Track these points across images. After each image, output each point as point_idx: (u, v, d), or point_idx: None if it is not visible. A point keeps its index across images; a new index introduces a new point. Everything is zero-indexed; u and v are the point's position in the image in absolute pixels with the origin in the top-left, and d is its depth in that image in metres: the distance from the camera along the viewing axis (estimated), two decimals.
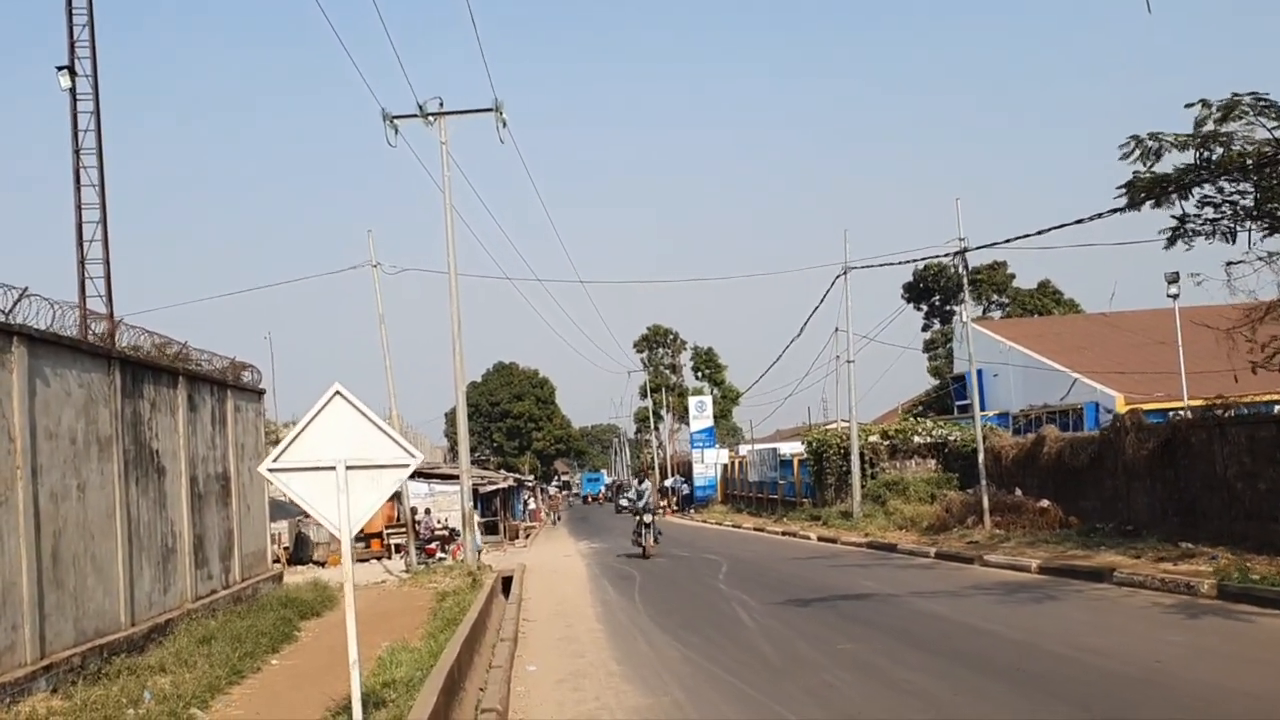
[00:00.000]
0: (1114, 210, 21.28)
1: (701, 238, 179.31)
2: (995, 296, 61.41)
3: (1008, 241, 23.88)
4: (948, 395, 52.58)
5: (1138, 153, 19.67)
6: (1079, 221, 22.13)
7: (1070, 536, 22.59)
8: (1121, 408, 36.47)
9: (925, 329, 63.65)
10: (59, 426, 12.72)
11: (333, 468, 7.70)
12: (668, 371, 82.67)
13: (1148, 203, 20.79)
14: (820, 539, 28.69)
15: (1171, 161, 19.82)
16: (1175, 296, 32.61)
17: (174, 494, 17.20)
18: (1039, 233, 21.40)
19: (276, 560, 32.81)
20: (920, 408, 53.45)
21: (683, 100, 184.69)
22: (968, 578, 17.21)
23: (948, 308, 63.11)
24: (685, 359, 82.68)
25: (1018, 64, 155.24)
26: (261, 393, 23.66)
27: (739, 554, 25.90)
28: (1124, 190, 20.49)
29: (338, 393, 7.77)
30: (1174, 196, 20.60)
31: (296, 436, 7.74)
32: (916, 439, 34.48)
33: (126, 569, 14.45)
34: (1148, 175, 20.37)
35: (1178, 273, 32.70)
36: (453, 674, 10.00)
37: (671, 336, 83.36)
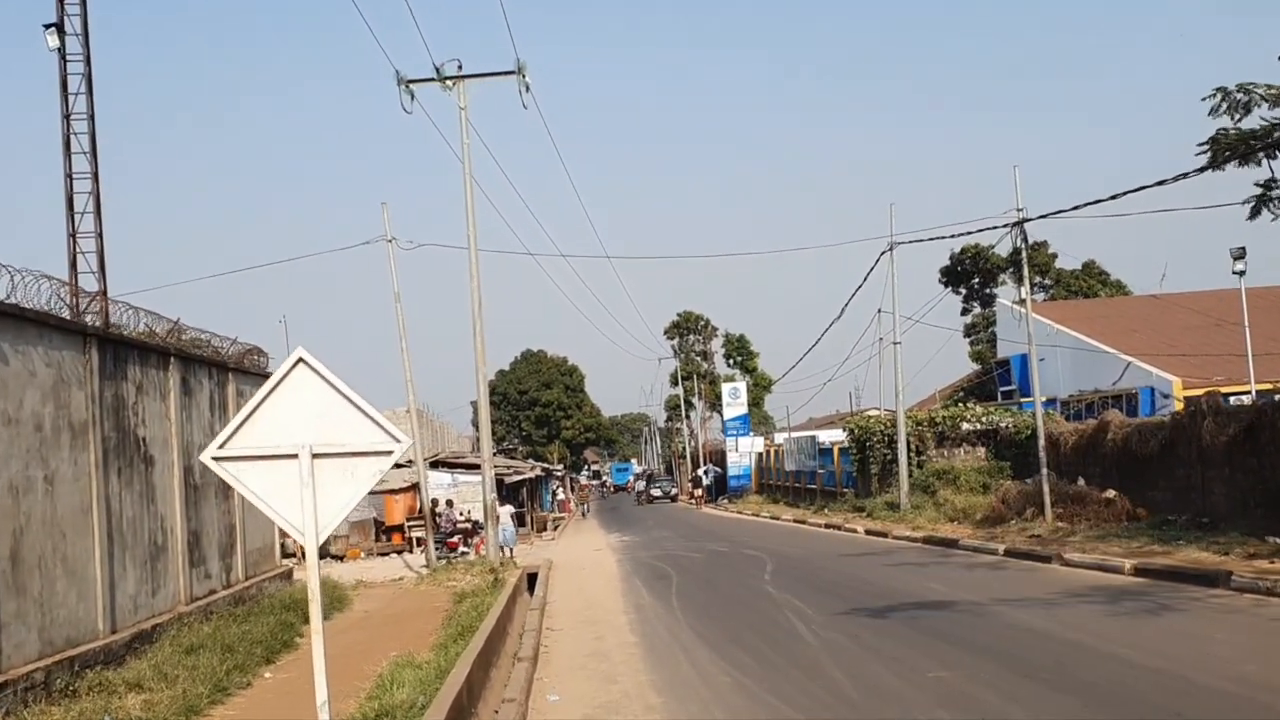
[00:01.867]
0: (1197, 170, 19.32)
1: (738, 217, 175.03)
2: (1038, 279, 59.09)
3: (1075, 209, 21.94)
4: (991, 381, 50.55)
5: (1224, 105, 17.81)
6: (1160, 183, 20.22)
7: (1141, 530, 20.77)
8: (1179, 392, 34.57)
9: (964, 313, 61.48)
10: (20, 410, 11.22)
11: (295, 455, 6.08)
12: (699, 359, 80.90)
13: (1232, 162, 18.99)
14: (868, 532, 26.85)
15: (1260, 118, 17.97)
16: (1242, 273, 30.54)
17: (164, 486, 15.73)
18: (1112, 197, 19.55)
19: (291, 555, 31.53)
20: (961, 394, 51.44)
21: (723, 76, 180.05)
22: (1052, 581, 15.27)
23: (988, 290, 60.89)
24: (717, 346, 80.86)
25: (1077, 41, 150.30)
26: (268, 376, 22.17)
27: (782, 549, 24.11)
28: (1207, 147, 18.62)
29: (301, 360, 6.16)
30: (1262, 157, 18.76)
31: (249, 416, 6.12)
32: (965, 425, 32.63)
33: (105, 570, 12.96)
34: (1234, 131, 18.50)
35: (1244, 248, 30.72)
36: (460, 701, 8.39)
37: (703, 323, 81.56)
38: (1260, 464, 19.83)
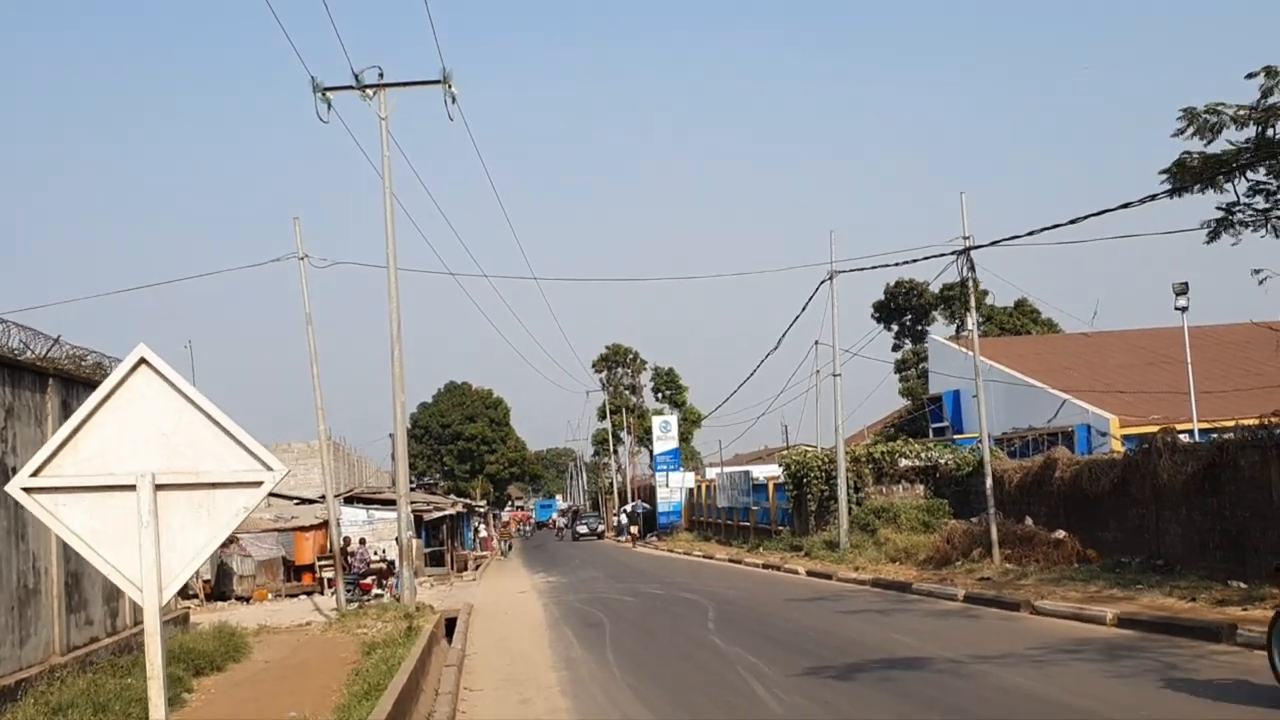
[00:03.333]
0: (1150, 197, 18.57)
1: (669, 244, 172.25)
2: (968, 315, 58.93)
3: (1031, 234, 21.07)
4: (923, 417, 49.95)
5: (1192, 128, 17.05)
6: (1103, 212, 19.39)
7: (1095, 573, 19.84)
8: (1116, 430, 34.07)
9: (896, 349, 61.09)
10: None
11: (132, 486, 4.55)
12: (627, 392, 79.69)
13: (1194, 187, 18.26)
14: (810, 574, 25.47)
15: (1228, 140, 17.24)
16: (1184, 309, 30.06)
17: (38, 522, 13.81)
18: (1071, 221, 18.64)
19: (194, 595, 29.37)
20: (892, 430, 50.80)
21: (656, 91, 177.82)
22: (1028, 632, 13.82)
23: (919, 327, 60.67)
24: (645, 379, 79.81)
25: (1014, 64, 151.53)
26: None
27: (722, 592, 22.54)
28: (1171, 173, 17.84)
29: (143, 362, 4.64)
30: (1223, 181, 18.05)
31: (72, 435, 4.58)
32: (904, 461, 31.65)
33: None
34: (1198, 156, 17.75)
35: (1186, 283, 30.30)
36: None
37: (631, 356, 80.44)
38: (1220, 504, 19.00)
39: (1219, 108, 16.27)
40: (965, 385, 46.50)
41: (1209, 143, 16.56)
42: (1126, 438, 33.73)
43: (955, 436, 40.52)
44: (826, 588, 22.17)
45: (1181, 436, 27.09)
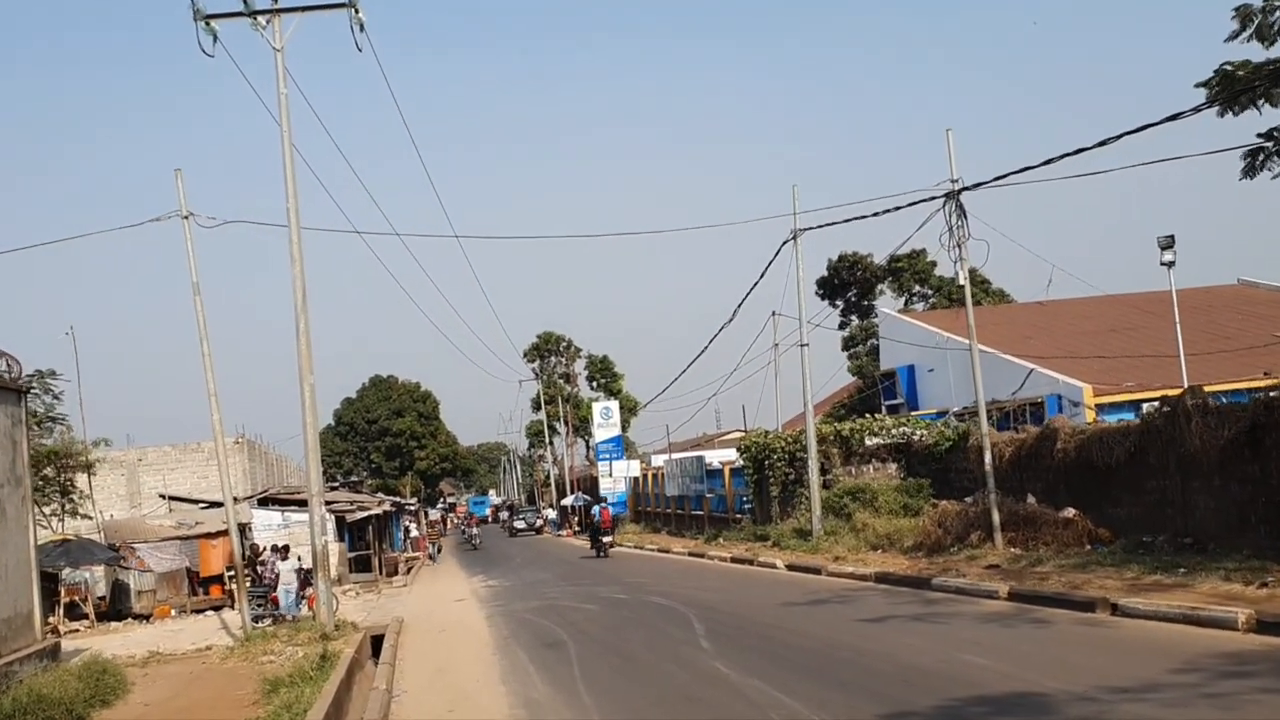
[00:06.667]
0: (1174, 115, 15.98)
1: (608, 219, 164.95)
2: (917, 287, 56.78)
3: (1021, 171, 18.44)
4: (875, 395, 47.64)
5: (1249, 31, 14.47)
6: (1086, 149, 16.81)
7: (1120, 556, 17.34)
8: (1090, 399, 31.90)
9: (843, 326, 58.66)
10: None
11: None
12: (562, 381, 76.46)
13: (1234, 105, 15.70)
14: (792, 568, 22.36)
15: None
16: (1171, 264, 27.74)
17: None
18: (1045, 162, 16.00)
19: (84, 617, 25.77)
20: (842, 409, 48.37)
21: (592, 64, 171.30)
22: (1140, 645, 10.75)
23: (865, 302, 58.29)
24: (580, 368, 76.63)
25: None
26: (21, 390, 16.82)
27: (699, 596, 19.18)
28: (1215, 83, 15.24)
29: None
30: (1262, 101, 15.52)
31: None
32: (873, 439, 29.03)
33: None
34: (1243, 66, 15.19)
35: (1172, 236, 27.95)
36: None
37: (565, 344, 77.24)
38: (1264, 471, 16.56)
39: None
40: (920, 359, 44.32)
41: (1271, 44, 14.05)
42: (1100, 407, 31.69)
43: (912, 413, 38.07)
44: (820, 585, 19.05)
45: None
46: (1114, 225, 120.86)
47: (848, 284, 58.47)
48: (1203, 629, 10.60)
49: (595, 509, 39.14)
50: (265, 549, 24.40)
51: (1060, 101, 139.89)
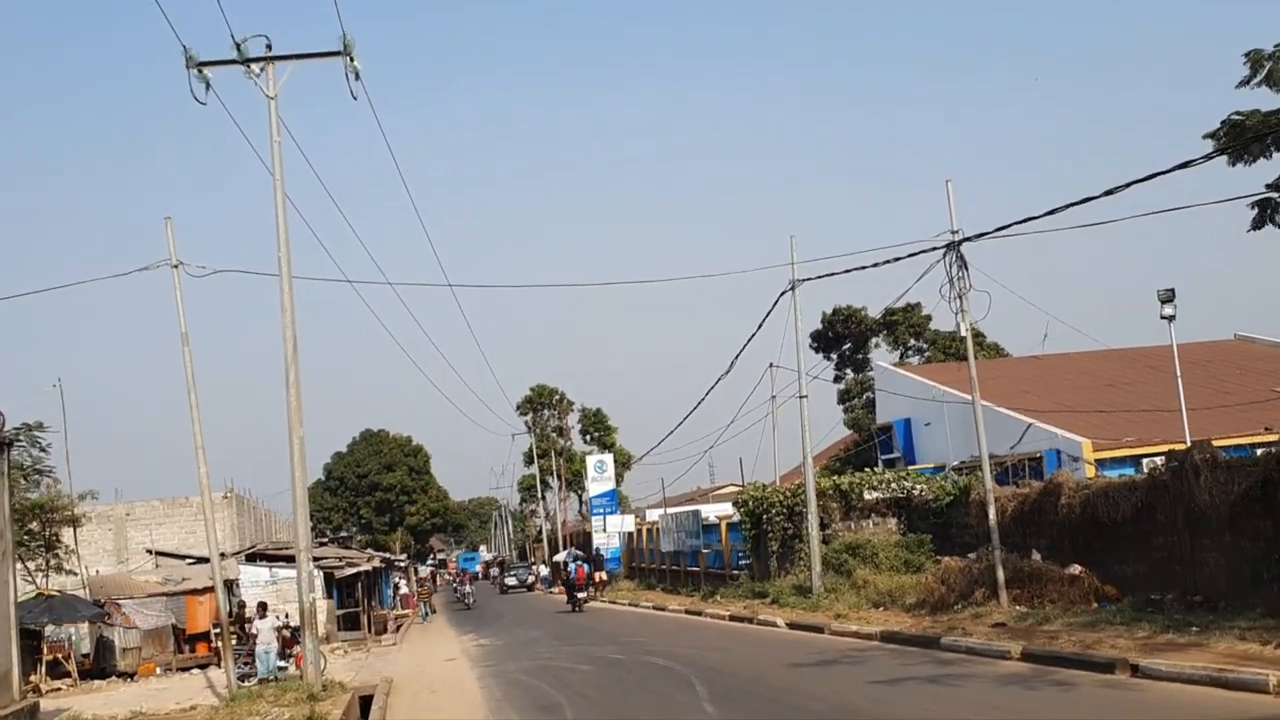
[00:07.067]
0: (1184, 163, 15.79)
1: (601, 266, 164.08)
2: (912, 341, 56.66)
3: (1024, 221, 18.28)
4: (871, 448, 47.29)
5: (1260, 75, 14.38)
6: (1090, 198, 16.61)
7: (1129, 614, 16.97)
8: (1090, 454, 31.57)
9: (838, 379, 58.42)
10: None
11: None
12: (555, 435, 75.97)
13: (1245, 154, 15.56)
14: (793, 626, 21.70)
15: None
16: (1171, 318, 27.55)
17: None
18: (1049, 213, 15.81)
19: (65, 675, 25.09)
20: (838, 463, 47.98)
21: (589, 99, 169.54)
22: (1173, 706, 10.46)
23: (860, 355, 58.10)
24: (573, 421, 76.23)
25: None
26: (4, 443, 16.41)
27: (699, 656, 18.37)
28: (1222, 133, 15.11)
29: None
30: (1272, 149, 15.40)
31: None
32: (871, 494, 28.61)
33: None
34: (1251, 116, 15.07)
35: (1173, 290, 27.82)
36: None
37: (558, 397, 76.87)
38: (1277, 528, 16.21)
39: None
40: (917, 413, 43.98)
41: None
42: (1100, 462, 31.38)
43: (910, 467, 37.72)
44: (825, 645, 18.44)
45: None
46: (1112, 278, 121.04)
47: (842, 337, 58.30)
48: (1230, 691, 10.19)
49: (571, 565, 39.57)
50: (253, 606, 23.83)
51: (1061, 153, 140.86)
